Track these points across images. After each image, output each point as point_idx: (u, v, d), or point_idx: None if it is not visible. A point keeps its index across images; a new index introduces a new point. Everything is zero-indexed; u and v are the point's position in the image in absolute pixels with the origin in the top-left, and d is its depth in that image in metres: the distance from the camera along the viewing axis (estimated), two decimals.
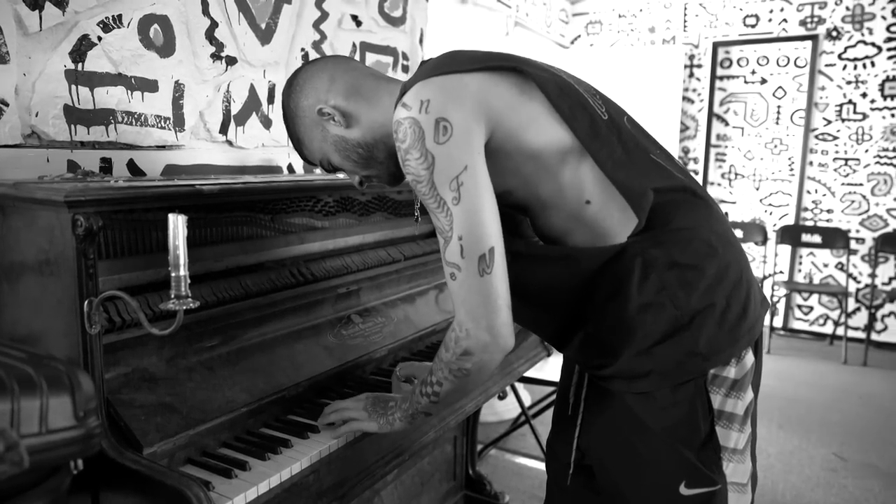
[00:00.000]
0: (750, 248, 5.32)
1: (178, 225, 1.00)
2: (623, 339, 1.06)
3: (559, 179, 1.09)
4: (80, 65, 1.51)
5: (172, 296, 1.02)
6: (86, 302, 1.07)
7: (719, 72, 5.30)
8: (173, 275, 1.01)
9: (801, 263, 5.15)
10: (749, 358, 1.06)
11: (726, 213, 5.35)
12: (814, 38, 4.90)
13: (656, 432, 1.04)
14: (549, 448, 1.40)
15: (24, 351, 0.75)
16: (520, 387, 3.10)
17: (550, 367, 2.82)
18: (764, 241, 5.10)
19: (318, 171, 2.12)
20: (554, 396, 2.93)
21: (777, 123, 5.15)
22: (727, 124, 5.32)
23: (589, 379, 1.19)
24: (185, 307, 1.02)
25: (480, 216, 0.99)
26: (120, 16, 1.59)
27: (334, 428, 1.26)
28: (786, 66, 5.09)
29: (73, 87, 1.50)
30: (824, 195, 5.00)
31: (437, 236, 1.04)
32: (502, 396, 3.14)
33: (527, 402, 3.24)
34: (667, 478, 1.05)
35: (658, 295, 1.02)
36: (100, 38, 1.55)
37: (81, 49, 1.51)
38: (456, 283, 1.02)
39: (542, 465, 2.88)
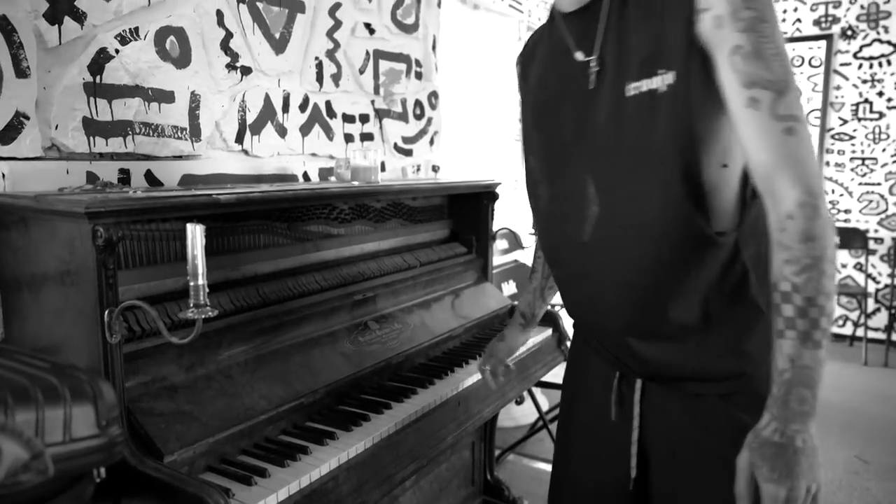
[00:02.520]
0: None
1: (195, 234, 1.01)
2: (728, 330, 1.00)
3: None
4: (98, 77, 1.53)
5: (191, 305, 1.03)
6: (106, 311, 1.08)
7: None
8: (192, 284, 1.02)
9: None
10: None
11: None
12: (828, 37, 4.86)
13: (749, 428, 0.93)
14: (578, 459, 1.24)
15: (48, 361, 0.76)
16: (537, 391, 3.09)
17: None
18: None
19: (332, 178, 2.13)
20: None
21: None
22: None
23: (644, 382, 1.10)
24: (203, 316, 1.03)
25: None
26: (137, 28, 1.61)
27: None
28: (800, 66, 5.04)
29: (92, 99, 1.52)
30: (841, 195, 4.95)
31: (753, 91, 0.88)
32: (519, 401, 3.13)
33: (544, 406, 3.23)
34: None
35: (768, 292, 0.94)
36: (117, 51, 1.57)
37: (99, 62, 1.53)
38: (796, 138, 0.88)
39: None
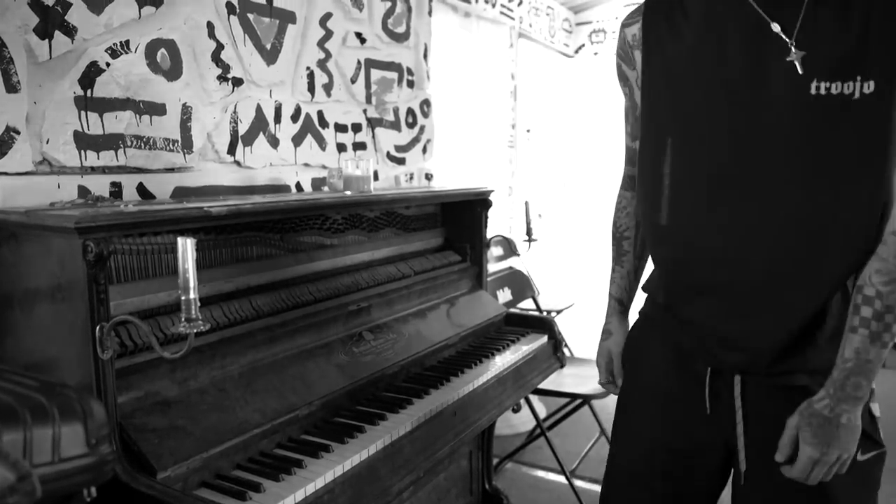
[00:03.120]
0: None
1: (186, 248, 1.00)
2: (838, 328, 1.03)
3: None
4: (89, 91, 1.53)
5: (183, 319, 1.02)
6: (97, 327, 1.07)
7: None
8: (183, 298, 1.02)
9: None
10: None
11: None
12: None
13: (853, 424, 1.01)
14: (664, 452, 1.22)
15: (36, 379, 0.75)
16: (534, 399, 3.08)
17: (564, 379, 2.80)
18: None
19: (325, 188, 2.13)
20: (569, 408, 2.91)
21: None
22: None
23: (744, 378, 1.11)
24: (195, 330, 1.03)
25: None
26: (127, 41, 1.60)
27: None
28: None
29: (83, 113, 1.52)
30: None
31: None
32: (516, 409, 3.12)
33: (541, 413, 3.22)
34: None
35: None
36: (108, 65, 1.56)
37: (90, 75, 1.53)
38: None
39: (559, 478, 2.86)
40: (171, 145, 1.73)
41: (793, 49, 0.95)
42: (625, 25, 1.22)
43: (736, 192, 1.03)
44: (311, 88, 2.18)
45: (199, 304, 1.03)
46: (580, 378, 2.78)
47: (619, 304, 1.42)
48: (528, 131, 4.77)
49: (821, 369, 1.03)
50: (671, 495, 1.23)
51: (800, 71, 0.95)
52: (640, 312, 1.31)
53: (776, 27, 0.97)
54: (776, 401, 1.08)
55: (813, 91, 0.94)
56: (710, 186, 1.06)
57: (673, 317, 1.19)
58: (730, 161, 1.03)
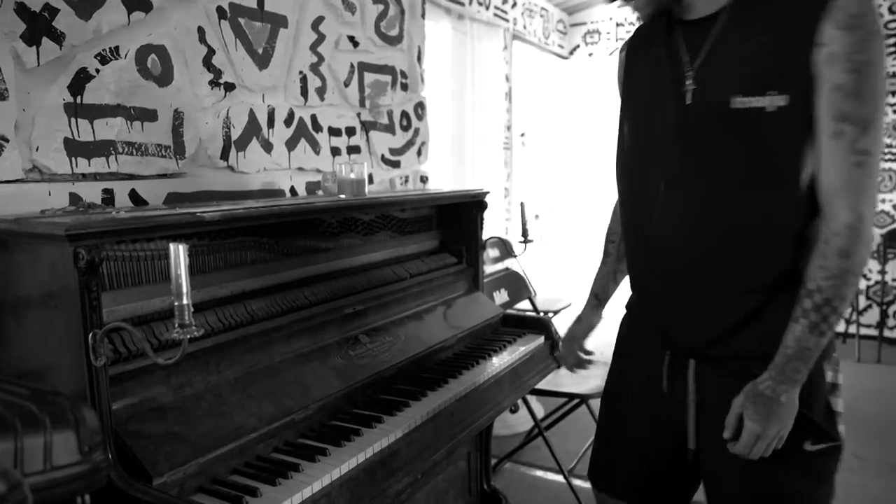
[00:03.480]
0: None
1: (179, 254, 1.00)
2: (778, 317, 1.12)
3: None
4: (79, 98, 1.52)
5: (176, 325, 1.02)
6: (90, 334, 1.07)
7: None
8: (176, 304, 1.01)
9: None
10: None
11: None
12: None
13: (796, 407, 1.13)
14: (636, 422, 1.36)
15: (28, 387, 0.75)
16: (531, 399, 3.08)
17: (561, 379, 2.80)
18: None
19: (319, 192, 2.12)
20: (567, 407, 2.91)
21: None
22: None
23: (696, 360, 1.22)
24: (189, 336, 1.02)
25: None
26: (117, 48, 1.60)
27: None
28: None
29: (73, 119, 1.51)
30: None
31: (840, 124, 1.03)
32: (514, 410, 3.12)
33: (539, 413, 3.21)
34: (793, 437, 1.14)
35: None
36: (98, 71, 1.56)
37: (80, 82, 1.52)
38: (863, 171, 1.04)
39: (557, 477, 2.86)
40: (163, 151, 1.72)
41: (688, 81, 1.15)
42: (620, 50, 1.40)
43: (677, 192, 1.18)
44: (305, 92, 2.18)
45: (192, 309, 1.03)
46: (577, 378, 2.78)
47: (595, 297, 1.59)
48: (522, 135, 4.77)
49: (762, 356, 1.13)
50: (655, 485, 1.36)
51: (688, 101, 1.15)
52: (625, 305, 1.43)
53: (687, 63, 1.16)
54: (725, 385, 1.18)
55: (734, 106, 1.08)
56: (656, 186, 1.20)
57: (641, 304, 1.35)
58: (670, 167, 1.18)
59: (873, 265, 4.85)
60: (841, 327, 5.00)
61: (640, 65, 1.30)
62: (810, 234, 1.11)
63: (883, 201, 4.79)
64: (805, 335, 1.08)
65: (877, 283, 4.84)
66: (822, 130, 1.05)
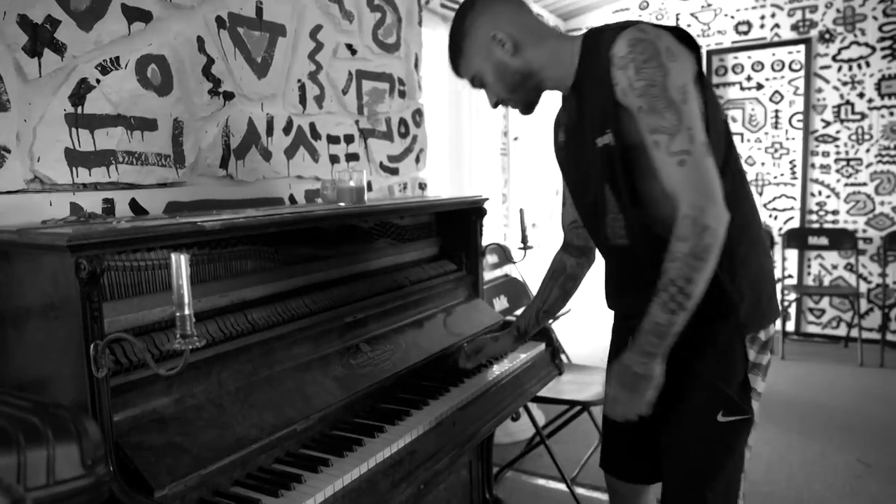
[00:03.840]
0: None
1: (180, 264, 0.99)
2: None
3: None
4: (79, 108, 1.52)
5: (178, 336, 1.01)
6: (91, 345, 1.06)
7: (715, 80, 5.32)
8: (178, 314, 1.01)
9: (809, 266, 5.12)
10: (773, 327, 1.41)
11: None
12: (807, 41, 4.92)
13: (704, 374, 1.36)
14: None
15: (30, 400, 0.75)
16: (533, 407, 3.07)
17: (562, 386, 2.79)
18: (771, 246, 5.07)
19: (318, 200, 2.12)
20: (568, 415, 2.91)
21: (776, 128, 5.15)
22: None
23: None
24: (190, 347, 1.02)
25: (699, 116, 1.24)
26: (118, 58, 1.60)
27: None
28: (781, 70, 5.09)
29: (74, 130, 1.51)
30: (828, 197, 4.99)
31: (659, 136, 1.23)
32: (515, 418, 3.11)
33: (540, 421, 3.21)
34: (709, 408, 1.36)
35: (723, 275, 1.29)
36: (98, 81, 1.56)
37: (80, 92, 1.52)
38: (686, 167, 1.21)
39: (560, 486, 2.85)
40: (163, 160, 1.72)
41: (561, 130, 1.55)
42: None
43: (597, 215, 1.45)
44: (303, 100, 2.18)
45: (193, 319, 1.03)
46: (579, 385, 2.77)
47: (517, 330, 1.87)
48: (516, 139, 4.77)
49: (689, 336, 1.29)
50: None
51: (561, 138, 1.55)
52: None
53: (563, 116, 1.54)
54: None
55: (598, 145, 1.35)
56: (601, 216, 1.44)
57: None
58: (585, 195, 1.47)
59: (874, 268, 4.85)
60: (842, 332, 5.00)
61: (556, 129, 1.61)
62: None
63: (882, 203, 4.80)
64: (657, 312, 1.24)
65: (878, 286, 4.84)
66: (646, 146, 1.25)
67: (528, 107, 1.52)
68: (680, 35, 1.30)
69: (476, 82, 1.52)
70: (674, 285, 1.22)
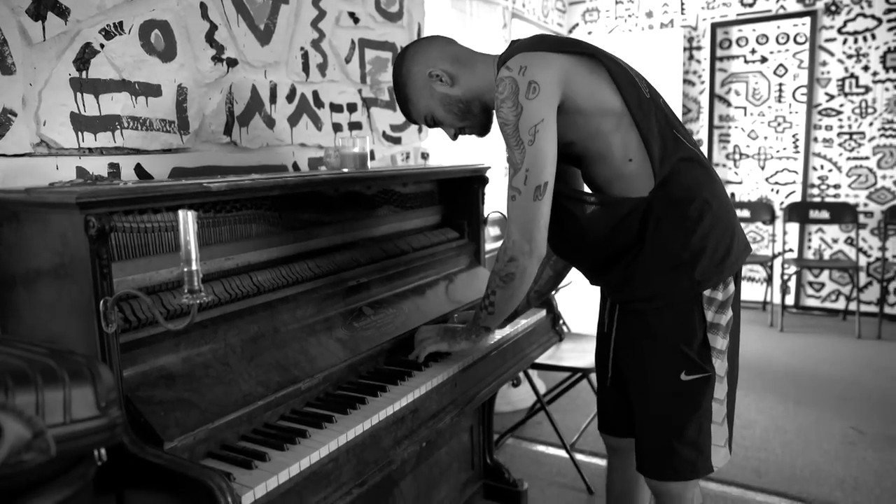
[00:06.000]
0: (758, 228, 5.30)
1: (188, 220, 1.01)
2: (643, 271, 1.43)
3: (611, 139, 1.40)
4: (84, 72, 1.53)
5: (186, 290, 1.04)
6: (101, 302, 1.09)
7: (719, 53, 5.29)
8: (185, 269, 1.03)
9: (810, 240, 5.13)
10: (731, 287, 1.45)
11: (732, 194, 5.34)
12: (812, 13, 4.88)
13: (666, 337, 1.44)
14: (596, 359, 1.74)
15: (46, 347, 0.77)
16: (534, 374, 3.11)
17: (562, 353, 2.83)
18: (772, 220, 5.08)
19: (322, 168, 2.14)
20: (568, 382, 2.95)
21: (780, 101, 5.13)
22: (729, 105, 5.30)
23: (619, 305, 1.55)
24: (198, 300, 1.04)
25: (545, 156, 1.35)
26: (121, 23, 1.61)
27: (417, 355, 1.64)
28: (785, 43, 5.06)
29: (79, 94, 1.52)
30: (830, 170, 4.98)
31: (509, 168, 1.38)
32: (516, 384, 3.16)
33: (541, 389, 3.25)
34: (672, 368, 1.44)
35: (668, 237, 1.39)
36: (102, 46, 1.57)
37: (85, 57, 1.53)
38: (514, 204, 1.38)
39: (559, 452, 2.90)
40: (167, 126, 1.74)
41: None
42: None
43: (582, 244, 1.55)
44: (306, 68, 2.18)
45: (201, 275, 1.05)
46: (578, 352, 2.81)
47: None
48: None
49: (645, 298, 1.45)
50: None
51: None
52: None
53: None
54: (627, 322, 1.54)
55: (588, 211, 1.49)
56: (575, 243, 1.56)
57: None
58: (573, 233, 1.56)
59: (874, 242, 4.87)
60: (841, 305, 5.03)
61: None
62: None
63: (884, 177, 4.80)
64: (478, 312, 1.56)
65: (877, 259, 4.85)
66: None
67: (483, 129, 1.61)
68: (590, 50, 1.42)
69: (429, 121, 1.60)
70: (489, 295, 1.51)
